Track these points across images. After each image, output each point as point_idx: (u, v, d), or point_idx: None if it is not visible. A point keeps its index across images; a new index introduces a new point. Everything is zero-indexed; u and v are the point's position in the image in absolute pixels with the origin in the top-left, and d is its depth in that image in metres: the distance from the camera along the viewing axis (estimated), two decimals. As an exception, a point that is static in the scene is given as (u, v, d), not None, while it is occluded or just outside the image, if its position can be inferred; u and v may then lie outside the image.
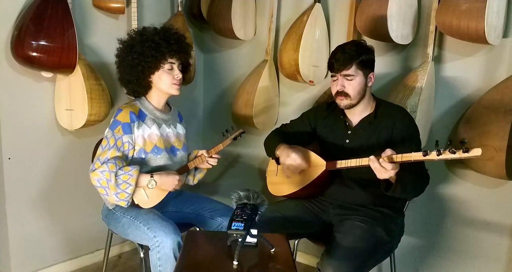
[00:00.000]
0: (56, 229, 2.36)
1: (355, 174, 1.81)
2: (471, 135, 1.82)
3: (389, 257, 1.88)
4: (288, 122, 2.10)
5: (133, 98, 1.93)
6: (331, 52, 1.82)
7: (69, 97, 2.15)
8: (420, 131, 1.79)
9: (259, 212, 1.45)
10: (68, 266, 2.43)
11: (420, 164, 1.72)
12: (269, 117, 2.58)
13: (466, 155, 1.33)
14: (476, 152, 1.32)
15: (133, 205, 1.78)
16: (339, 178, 1.85)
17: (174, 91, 1.87)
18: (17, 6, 2.02)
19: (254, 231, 1.40)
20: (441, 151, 1.39)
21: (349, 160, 1.67)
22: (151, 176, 1.77)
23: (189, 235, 1.58)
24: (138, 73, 1.81)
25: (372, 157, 1.52)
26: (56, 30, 1.99)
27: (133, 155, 1.81)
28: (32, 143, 2.19)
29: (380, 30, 1.97)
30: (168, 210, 1.99)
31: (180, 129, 2.02)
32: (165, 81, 1.84)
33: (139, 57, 1.79)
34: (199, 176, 2.10)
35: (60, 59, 2.01)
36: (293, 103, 2.57)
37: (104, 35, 2.34)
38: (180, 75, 1.87)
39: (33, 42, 1.93)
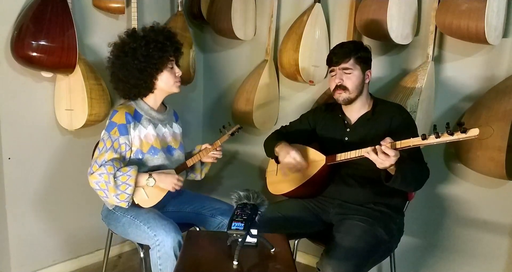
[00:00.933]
0: (56, 229, 2.36)
1: (355, 172, 1.82)
2: (471, 135, 1.82)
3: (389, 257, 1.88)
4: (288, 124, 2.11)
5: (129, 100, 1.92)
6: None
7: (69, 97, 2.15)
8: (420, 131, 1.80)
9: (259, 212, 1.45)
10: (68, 266, 2.44)
11: (420, 158, 1.74)
12: (269, 117, 2.58)
13: (464, 135, 1.34)
14: (473, 132, 1.33)
15: (133, 205, 1.78)
16: (339, 176, 1.86)
17: (176, 89, 1.88)
18: (17, 6, 2.02)
19: (254, 231, 1.41)
20: (440, 134, 1.39)
21: (349, 152, 1.68)
22: (150, 175, 1.77)
23: (189, 235, 1.58)
24: (146, 76, 1.80)
25: (369, 148, 1.52)
26: (56, 30, 1.99)
27: (130, 156, 1.81)
28: (32, 143, 2.19)
29: (380, 30, 1.97)
30: (169, 210, 1.99)
31: (176, 128, 2.02)
32: (168, 81, 1.84)
33: (146, 60, 1.77)
34: (205, 170, 2.12)
35: (60, 59, 2.01)
36: (293, 103, 2.57)
37: (104, 35, 2.33)
38: (180, 72, 1.88)
39: (33, 42, 1.93)
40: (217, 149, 1.99)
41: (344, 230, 1.70)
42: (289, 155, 1.81)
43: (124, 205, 1.73)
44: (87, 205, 2.42)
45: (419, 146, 1.77)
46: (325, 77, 2.37)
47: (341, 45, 1.81)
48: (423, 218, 2.19)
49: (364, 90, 1.81)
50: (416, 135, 1.74)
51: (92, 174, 1.71)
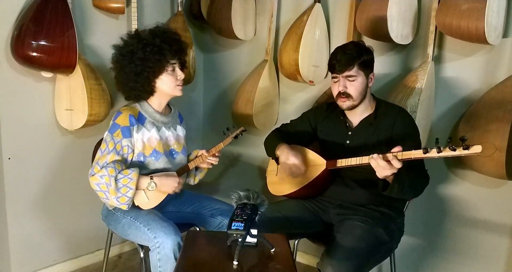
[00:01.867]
0: (56, 229, 2.36)
1: (355, 174, 1.81)
2: (471, 135, 1.82)
3: (389, 257, 1.88)
4: (289, 122, 2.10)
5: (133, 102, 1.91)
6: (330, 53, 1.81)
7: (69, 97, 2.15)
8: (420, 131, 1.79)
9: (259, 212, 1.45)
10: (68, 266, 2.44)
11: (420, 164, 1.73)
12: (269, 117, 2.58)
13: (466, 152, 1.34)
14: (476, 149, 1.32)
15: (133, 206, 1.78)
16: (339, 178, 1.85)
17: (178, 92, 1.85)
18: (17, 6, 2.02)
19: (254, 231, 1.41)
20: (441, 149, 1.39)
21: (350, 159, 1.67)
22: (151, 178, 1.76)
23: (189, 235, 1.58)
24: (143, 80, 1.77)
25: (374, 155, 1.51)
26: (56, 30, 1.98)
27: (132, 158, 1.80)
28: (32, 143, 2.19)
29: (380, 30, 1.97)
30: (168, 210, 1.99)
31: (180, 131, 2.00)
32: (169, 84, 1.81)
33: (143, 63, 1.74)
34: (199, 176, 2.10)
35: (60, 59, 2.01)
36: (293, 103, 2.57)
37: (104, 35, 2.34)
38: (183, 75, 1.84)
39: (33, 42, 1.93)
40: (216, 154, 1.98)
41: (344, 230, 1.70)
42: (289, 161, 1.81)
43: (125, 207, 1.73)
44: (87, 205, 2.41)
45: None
46: (325, 77, 2.37)
47: (343, 51, 1.73)
48: (423, 218, 2.19)
49: (367, 93, 1.79)
50: (418, 143, 1.74)
51: (93, 175, 1.71)
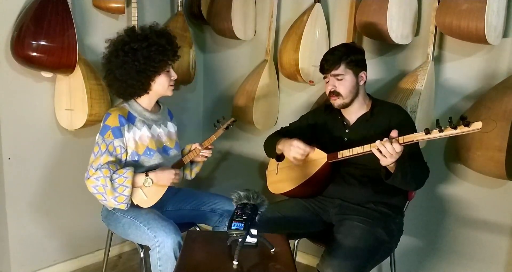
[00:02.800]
0: (56, 229, 2.36)
1: (355, 171, 1.82)
2: (471, 135, 1.82)
3: (389, 257, 1.88)
4: (288, 125, 2.12)
5: (122, 100, 1.92)
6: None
7: (69, 97, 2.15)
8: (420, 131, 1.79)
9: (259, 212, 1.45)
10: (68, 266, 2.44)
11: (419, 156, 1.75)
12: (269, 117, 2.58)
13: (467, 129, 1.35)
14: (476, 125, 1.34)
15: (133, 205, 1.78)
16: (339, 175, 1.86)
17: (170, 92, 1.89)
18: (17, 6, 2.02)
19: (254, 231, 1.41)
20: (443, 128, 1.40)
21: (351, 149, 1.68)
22: (146, 175, 1.77)
23: (189, 235, 1.58)
24: (144, 78, 1.80)
25: (377, 142, 1.53)
26: (56, 30, 1.99)
27: (126, 158, 1.81)
28: (32, 143, 2.19)
29: (380, 30, 1.97)
30: (168, 209, 1.99)
31: (171, 127, 2.01)
32: (163, 84, 1.85)
33: (146, 62, 1.77)
34: (196, 169, 2.12)
35: (60, 59, 2.01)
36: (293, 103, 2.57)
37: (104, 35, 2.31)
38: (176, 76, 1.88)
39: (33, 42, 1.93)
40: (209, 147, 2.00)
41: (344, 231, 1.70)
42: (293, 146, 1.82)
43: (123, 207, 1.73)
44: (87, 205, 2.41)
45: (419, 146, 1.78)
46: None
47: (331, 51, 1.81)
48: (423, 218, 2.19)
49: (360, 92, 1.81)
50: (415, 131, 1.75)
51: (88, 178, 1.71)
